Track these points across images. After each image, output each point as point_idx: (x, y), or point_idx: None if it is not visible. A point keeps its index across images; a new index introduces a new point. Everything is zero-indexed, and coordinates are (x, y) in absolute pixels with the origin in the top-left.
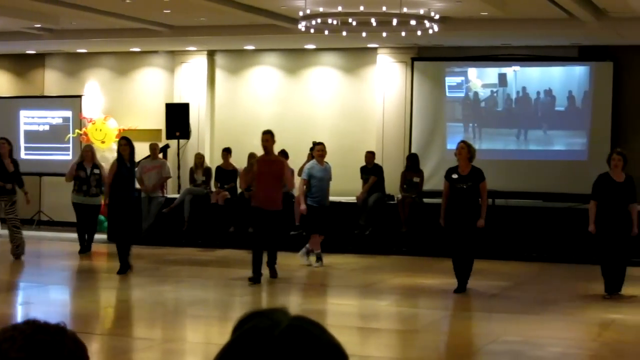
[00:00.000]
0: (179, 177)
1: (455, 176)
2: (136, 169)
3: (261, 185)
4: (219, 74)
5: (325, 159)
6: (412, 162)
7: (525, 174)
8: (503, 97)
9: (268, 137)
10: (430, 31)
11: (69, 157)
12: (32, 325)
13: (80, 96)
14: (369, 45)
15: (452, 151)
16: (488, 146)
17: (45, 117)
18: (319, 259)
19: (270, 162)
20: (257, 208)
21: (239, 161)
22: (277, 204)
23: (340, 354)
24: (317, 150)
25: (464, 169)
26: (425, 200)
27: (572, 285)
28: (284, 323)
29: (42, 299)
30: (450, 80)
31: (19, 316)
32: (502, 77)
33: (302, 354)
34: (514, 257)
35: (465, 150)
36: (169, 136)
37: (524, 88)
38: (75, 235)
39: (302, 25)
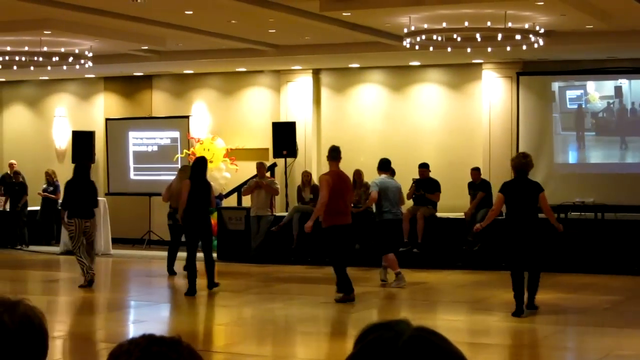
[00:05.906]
0: (286, 196)
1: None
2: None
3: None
4: (324, 92)
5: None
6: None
7: (632, 186)
8: (617, 109)
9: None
10: (536, 45)
11: None
12: (147, 338)
13: (187, 116)
14: (474, 61)
15: (561, 164)
16: (595, 160)
17: (154, 138)
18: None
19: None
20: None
21: None
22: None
23: None
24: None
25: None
26: None
27: None
28: (407, 334)
29: (154, 317)
30: (570, 94)
31: (132, 334)
32: (618, 90)
33: None
34: (624, 272)
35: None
36: (276, 155)
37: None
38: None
39: (407, 42)
